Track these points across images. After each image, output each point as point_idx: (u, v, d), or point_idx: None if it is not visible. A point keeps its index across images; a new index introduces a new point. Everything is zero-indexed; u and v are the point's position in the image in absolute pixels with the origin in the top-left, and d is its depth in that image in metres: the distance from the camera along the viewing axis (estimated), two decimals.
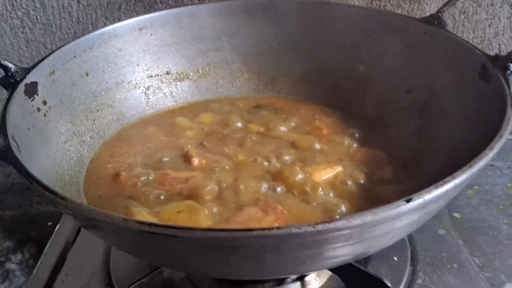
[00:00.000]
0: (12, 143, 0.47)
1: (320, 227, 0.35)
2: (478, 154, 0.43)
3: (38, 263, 0.65)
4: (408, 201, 0.37)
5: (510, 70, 0.53)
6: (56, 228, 0.70)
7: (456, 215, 0.70)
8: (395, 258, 0.61)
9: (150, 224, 0.35)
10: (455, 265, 0.61)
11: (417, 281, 0.59)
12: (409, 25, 0.68)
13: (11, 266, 0.94)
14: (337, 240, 0.37)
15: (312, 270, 0.49)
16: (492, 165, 0.81)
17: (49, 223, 0.93)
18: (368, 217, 0.36)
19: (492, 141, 0.43)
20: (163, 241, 0.36)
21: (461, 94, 0.59)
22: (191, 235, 0.35)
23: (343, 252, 0.41)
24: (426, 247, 0.64)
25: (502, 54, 0.56)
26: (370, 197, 0.56)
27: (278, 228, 0.35)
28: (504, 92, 0.50)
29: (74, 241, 0.68)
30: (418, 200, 0.37)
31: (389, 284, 0.53)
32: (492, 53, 0.97)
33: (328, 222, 0.35)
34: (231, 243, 0.35)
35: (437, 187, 0.38)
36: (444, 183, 0.38)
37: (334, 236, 0.36)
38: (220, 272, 0.44)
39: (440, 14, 0.66)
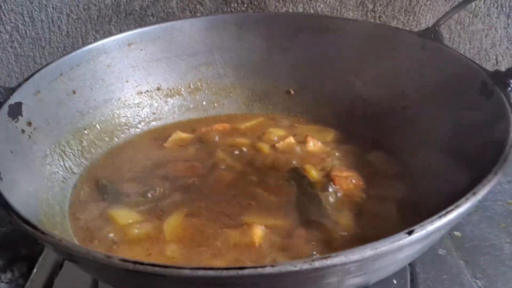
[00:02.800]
0: None
1: (317, 263, 0.33)
2: (481, 178, 0.41)
3: (27, 285, 0.62)
4: (410, 233, 0.35)
5: (510, 87, 0.52)
6: (45, 249, 0.67)
7: (457, 233, 0.67)
8: (395, 281, 0.59)
9: (135, 263, 0.33)
10: None
11: None
12: (406, 39, 0.66)
13: (1, 285, 0.91)
14: (335, 275, 0.35)
15: None
16: None
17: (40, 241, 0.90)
18: (368, 252, 0.33)
19: (496, 165, 0.41)
20: (149, 279, 0.34)
21: (459, 111, 0.58)
22: (179, 273, 0.32)
23: (342, 285, 0.38)
24: (426, 269, 0.61)
25: (501, 69, 0.54)
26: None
27: (272, 266, 0.32)
28: (505, 110, 0.49)
29: (61, 265, 0.65)
30: (421, 232, 0.35)
31: None
32: (489, 64, 0.96)
33: (325, 258, 0.33)
34: (223, 282, 0.33)
35: (440, 217, 0.36)
36: (448, 212, 0.36)
37: (332, 271, 0.34)
38: None
39: (436, 28, 0.64)
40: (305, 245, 0.50)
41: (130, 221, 0.54)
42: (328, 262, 0.33)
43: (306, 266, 0.32)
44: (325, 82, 0.74)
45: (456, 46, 0.91)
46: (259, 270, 0.32)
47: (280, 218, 0.53)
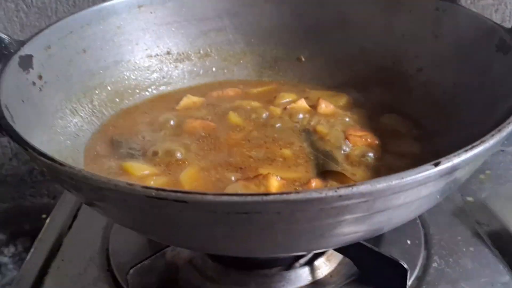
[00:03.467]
0: (6, 113, 0.44)
1: (342, 191, 0.32)
2: (502, 122, 0.40)
3: (32, 248, 0.61)
4: (436, 164, 0.34)
5: None
6: (51, 214, 0.67)
7: (470, 198, 0.67)
8: (409, 242, 0.59)
9: (158, 189, 0.32)
10: (471, 249, 0.58)
11: (433, 265, 0.56)
12: (420, 1, 0.65)
13: (3, 259, 0.90)
14: (359, 208, 0.34)
15: (327, 247, 0.46)
16: (503, 150, 0.78)
17: (43, 216, 0.90)
18: (394, 181, 0.33)
19: None
20: (170, 208, 0.33)
21: (476, 70, 0.57)
22: (202, 199, 0.32)
23: (362, 224, 0.38)
24: (440, 231, 0.61)
25: None
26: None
27: (297, 192, 0.32)
28: None
29: (70, 226, 0.64)
30: (447, 164, 0.34)
31: (405, 266, 0.50)
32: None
33: (351, 186, 0.32)
34: (245, 209, 0.32)
35: (466, 150, 0.35)
36: (473, 147, 0.36)
37: (356, 203, 0.34)
38: (228, 247, 0.41)
39: None
40: None
41: (146, 172, 0.53)
42: (354, 190, 0.32)
43: (331, 193, 0.32)
44: (337, 48, 0.73)
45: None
46: (284, 196, 0.32)
47: (296, 171, 0.53)
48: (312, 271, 0.55)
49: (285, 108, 0.66)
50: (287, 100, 0.68)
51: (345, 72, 0.72)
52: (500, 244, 0.59)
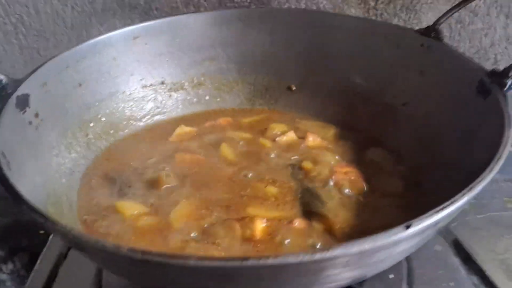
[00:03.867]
0: (2, 160, 0.46)
1: (318, 256, 0.34)
2: (477, 174, 0.42)
3: (30, 277, 0.63)
4: (407, 227, 0.36)
5: (507, 87, 0.53)
6: (50, 239, 0.69)
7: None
8: (391, 276, 0.61)
9: (143, 253, 0.34)
10: (451, 284, 0.60)
11: None
12: (406, 37, 0.67)
13: (2, 276, 0.92)
14: (334, 266, 0.36)
15: None
16: None
17: (41, 232, 0.91)
18: (367, 244, 0.35)
19: (491, 162, 0.42)
20: (156, 268, 0.35)
21: (458, 109, 0.59)
22: (185, 264, 0.34)
23: (340, 277, 0.40)
24: (423, 264, 0.63)
25: (499, 68, 0.55)
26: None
27: (275, 257, 0.34)
28: (501, 110, 0.50)
29: (66, 255, 0.66)
30: (418, 226, 0.36)
31: None
32: (488, 64, 0.97)
33: (326, 250, 0.34)
34: (226, 272, 0.35)
35: (437, 211, 0.37)
36: (444, 207, 0.38)
37: (331, 264, 0.36)
38: None
39: (437, 26, 0.65)
40: (306, 237, 0.51)
41: (137, 212, 0.55)
42: (328, 254, 0.34)
43: (307, 258, 0.34)
44: (326, 78, 0.75)
45: (456, 45, 0.92)
46: (262, 262, 0.34)
47: (282, 209, 0.55)
48: None
49: (274, 140, 0.68)
50: (277, 131, 0.70)
51: (334, 102, 0.74)
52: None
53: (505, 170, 0.81)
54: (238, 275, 0.35)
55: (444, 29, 0.92)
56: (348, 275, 0.40)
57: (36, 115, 0.58)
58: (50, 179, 0.56)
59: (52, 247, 0.67)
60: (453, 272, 0.62)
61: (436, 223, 0.37)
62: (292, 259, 0.34)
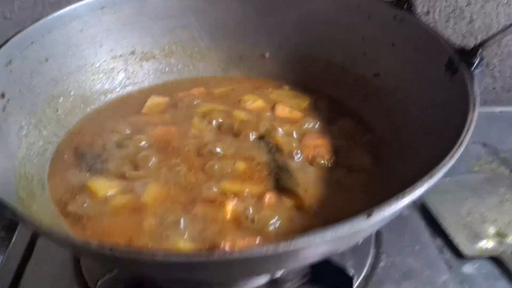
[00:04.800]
0: None
1: (281, 248, 0.35)
2: (437, 160, 0.43)
3: (6, 253, 0.64)
4: (369, 215, 0.37)
5: (474, 65, 0.53)
6: None
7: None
8: (359, 241, 0.63)
9: (111, 249, 0.35)
10: (417, 247, 0.63)
11: (380, 264, 0.61)
12: (379, 8, 0.67)
13: None
14: (300, 254, 0.38)
15: (279, 271, 0.50)
16: None
17: None
18: (328, 235, 0.36)
19: (452, 149, 0.43)
20: (125, 262, 0.37)
21: (426, 84, 0.59)
22: (153, 259, 0.35)
23: (308, 258, 0.42)
24: (390, 229, 0.65)
25: (474, 28, 0.55)
26: None
27: (240, 251, 0.35)
28: (467, 92, 0.50)
29: None
30: (379, 214, 0.38)
31: (351, 274, 0.54)
32: (463, 23, 0.97)
33: (289, 242, 0.36)
34: (194, 265, 0.36)
35: (397, 199, 0.39)
36: (404, 195, 0.39)
37: (295, 252, 0.37)
38: (181, 285, 0.45)
39: None
40: (276, 213, 0.53)
41: (109, 193, 0.55)
42: (291, 247, 0.35)
43: (271, 250, 0.35)
44: (299, 47, 0.74)
45: (432, 4, 0.91)
46: (227, 256, 0.35)
47: (254, 184, 0.56)
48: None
49: (245, 108, 0.68)
50: (251, 102, 0.70)
51: (306, 70, 0.74)
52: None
53: (473, 132, 0.84)
54: (206, 267, 0.36)
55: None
56: (317, 255, 0.42)
57: (2, 95, 0.56)
58: (21, 161, 0.55)
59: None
60: (418, 235, 0.65)
61: (396, 210, 0.39)
62: (257, 253, 0.35)
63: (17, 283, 0.60)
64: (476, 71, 0.53)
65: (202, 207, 0.51)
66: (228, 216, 0.51)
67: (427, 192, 0.40)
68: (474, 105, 0.48)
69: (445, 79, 0.56)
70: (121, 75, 0.73)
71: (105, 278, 0.54)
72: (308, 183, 0.57)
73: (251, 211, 0.52)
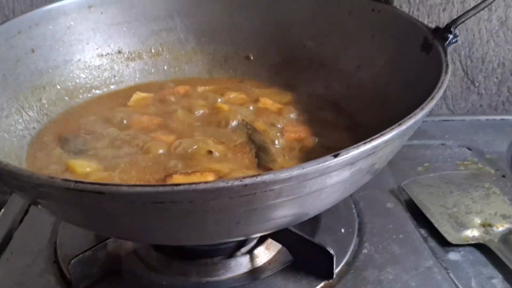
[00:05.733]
0: None
1: (247, 180, 0.35)
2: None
3: None
4: (335, 156, 0.37)
5: (448, 41, 0.55)
6: (3, 209, 0.69)
7: (405, 189, 0.71)
8: (343, 230, 0.62)
9: (76, 182, 0.35)
10: (400, 236, 0.62)
11: (363, 251, 0.60)
12: (358, 4, 0.69)
13: None
14: (267, 196, 0.37)
15: (251, 233, 0.49)
16: (443, 144, 0.83)
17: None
18: (295, 171, 0.36)
19: (424, 102, 0.44)
20: (91, 200, 0.36)
21: (405, 67, 0.61)
22: (117, 190, 0.34)
23: (278, 212, 0.41)
24: (374, 219, 0.64)
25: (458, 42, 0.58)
26: None
27: (205, 182, 0.35)
28: (441, 60, 0.52)
29: (21, 221, 0.66)
30: (346, 155, 0.37)
31: (331, 251, 0.53)
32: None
33: (255, 176, 0.35)
34: (159, 199, 0.35)
35: (365, 143, 0.39)
36: (372, 139, 0.39)
37: (263, 192, 0.37)
38: (154, 236, 0.44)
39: None
40: None
41: (88, 169, 0.55)
42: (258, 179, 0.35)
43: (237, 182, 0.35)
44: (282, 46, 0.76)
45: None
46: (193, 186, 0.34)
47: (231, 164, 0.56)
48: (252, 259, 0.59)
49: (227, 102, 0.69)
50: (233, 96, 0.71)
51: (290, 69, 0.76)
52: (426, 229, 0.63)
53: (458, 137, 0.85)
54: (172, 202, 0.36)
55: (404, 4, 0.95)
56: (286, 209, 0.41)
57: None
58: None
59: (5, 216, 0.68)
60: (402, 225, 0.64)
61: (363, 154, 0.39)
62: (222, 184, 0.35)
63: None
64: (449, 46, 0.54)
65: (180, 178, 0.51)
66: None
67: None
68: (446, 69, 0.49)
69: (422, 58, 0.57)
70: (107, 73, 0.74)
71: (79, 256, 0.53)
72: (287, 162, 0.57)
73: None
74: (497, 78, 1.01)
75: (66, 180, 0.35)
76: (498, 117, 0.90)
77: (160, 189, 0.34)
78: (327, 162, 0.37)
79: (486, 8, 0.95)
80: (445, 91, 1.04)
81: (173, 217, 0.38)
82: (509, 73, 1.00)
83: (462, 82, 1.02)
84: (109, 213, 0.38)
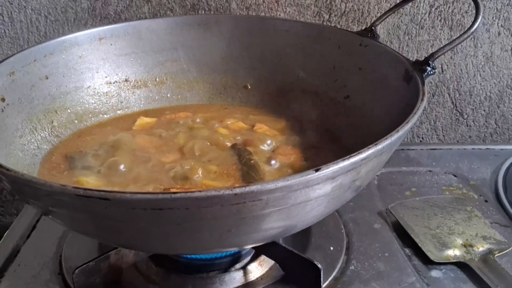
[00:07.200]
0: None
1: (237, 190, 0.39)
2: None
3: None
4: (317, 170, 0.42)
5: (426, 72, 0.60)
6: (12, 225, 0.73)
7: (392, 212, 0.74)
8: (331, 248, 0.66)
9: (85, 189, 0.39)
10: (386, 254, 0.66)
11: (350, 268, 0.63)
12: (347, 38, 0.75)
13: None
14: (256, 206, 0.42)
15: (243, 243, 0.52)
16: (430, 171, 0.87)
17: None
18: (280, 183, 0.40)
19: (401, 124, 0.49)
20: (98, 206, 0.40)
21: (388, 95, 0.66)
22: (122, 197, 0.39)
23: (266, 222, 0.45)
24: (361, 239, 0.68)
25: (446, 76, 0.63)
26: None
27: (200, 191, 0.39)
28: (418, 89, 0.57)
29: (29, 236, 0.70)
30: (327, 170, 0.42)
31: (319, 265, 0.57)
32: (436, 72, 1.06)
33: (245, 186, 0.40)
34: (158, 205, 0.40)
35: (343, 160, 0.43)
36: (350, 157, 0.44)
37: (252, 201, 0.41)
38: (153, 244, 0.48)
39: (373, 27, 0.73)
40: None
41: (95, 183, 0.60)
42: (247, 189, 0.40)
43: (228, 191, 0.39)
44: (277, 77, 0.82)
45: (405, 55, 1.00)
46: (189, 194, 0.39)
47: (224, 182, 0.60)
48: (245, 274, 0.62)
49: (226, 127, 0.74)
50: (231, 122, 0.76)
51: (284, 98, 0.81)
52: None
53: (445, 164, 0.89)
54: (170, 209, 0.40)
55: (394, 40, 1.01)
56: (275, 222, 0.45)
57: (3, 99, 0.63)
58: (13, 155, 0.60)
59: (14, 230, 0.72)
60: (388, 244, 0.67)
61: (343, 170, 0.43)
62: (214, 192, 0.39)
63: None
64: (428, 77, 0.60)
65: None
66: None
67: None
68: (422, 97, 0.54)
69: (403, 87, 0.62)
70: (114, 100, 0.80)
71: (82, 267, 0.57)
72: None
73: None
74: (484, 110, 1.06)
75: (76, 187, 0.40)
76: (483, 146, 0.94)
77: (160, 196, 0.39)
78: (309, 176, 0.41)
79: (472, 45, 1.02)
80: (435, 122, 1.10)
81: (170, 223, 0.42)
82: (496, 106, 1.05)
83: (451, 114, 1.06)
84: (113, 219, 0.42)
